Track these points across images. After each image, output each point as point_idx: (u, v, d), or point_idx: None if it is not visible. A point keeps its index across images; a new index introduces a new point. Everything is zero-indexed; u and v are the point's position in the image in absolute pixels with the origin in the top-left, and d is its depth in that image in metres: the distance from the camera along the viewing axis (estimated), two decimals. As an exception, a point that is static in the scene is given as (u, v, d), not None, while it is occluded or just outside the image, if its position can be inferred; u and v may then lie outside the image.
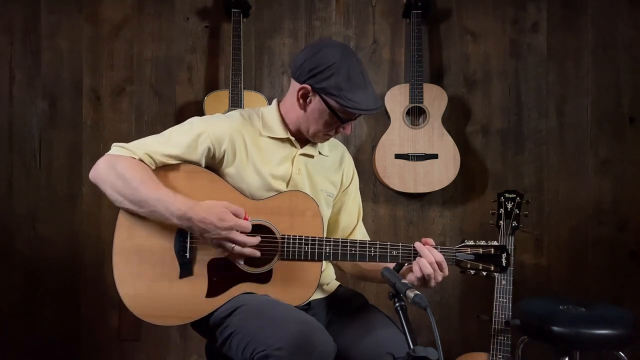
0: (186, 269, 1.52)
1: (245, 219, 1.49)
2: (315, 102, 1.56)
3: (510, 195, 2.15)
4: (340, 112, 1.54)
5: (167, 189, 1.48)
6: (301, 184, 1.65)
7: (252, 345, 1.39)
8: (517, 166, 2.83)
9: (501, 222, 2.15)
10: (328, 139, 1.68)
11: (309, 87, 1.55)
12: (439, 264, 1.50)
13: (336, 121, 1.57)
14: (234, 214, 1.47)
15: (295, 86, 1.59)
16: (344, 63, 1.52)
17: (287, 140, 1.65)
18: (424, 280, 1.51)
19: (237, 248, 1.46)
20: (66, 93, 2.82)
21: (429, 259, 1.50)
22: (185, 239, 1.53)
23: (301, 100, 1.58)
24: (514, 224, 2.14)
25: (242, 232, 1.47)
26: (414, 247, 1.53)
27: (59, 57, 2.82)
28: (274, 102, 1.69)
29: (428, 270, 1.49)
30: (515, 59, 2.84)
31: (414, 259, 1.53)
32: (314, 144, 1.70)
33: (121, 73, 2.83)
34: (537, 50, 2.83)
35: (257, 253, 1.49)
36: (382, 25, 2.85)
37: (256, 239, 1.49)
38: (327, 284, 1.74)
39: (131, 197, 1.47)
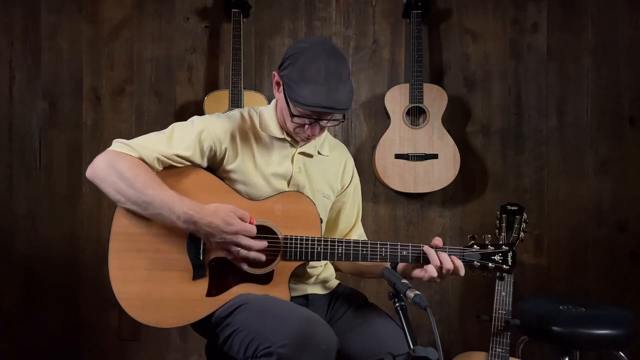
0: (199, 271, 1.52)
1: (251, 222, 1.48)
2: (281, 91, 1.56)
3: (512, 208, 2.13)
4: (290, 104, 1.52)
5: (171, 191, 1.46)
6: (302, 183, 1.65)
7: (256, 343, 1.39)
8: (517, 166, 2.83)
9: (502, 234, 2.13)
10: (305, 140, 1.62)
11: (276, 74, 1.57)
12: (447, 270, 1.51)
13: (289, 115, 1.53)
14: (240, 218, 1.47)
15: None
16: (303, 55, 1.49)
17: (285, 139, 1.65)
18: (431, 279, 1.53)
19: (243, 252, 1.46)
20: (66, 93, 2.82)
21: (435, 264, 1.51)
22: (198, 244, 1.52)
23: (275, 88, 1.60)
24: (515, 235, 2.12)
25: (247, 236, 1.47)
26: (423, 251, 1.54)
27: (59, 57, 2.82)
28: (273, 101, 1.69)
29: (434, 274, 1.51)
30: (515, 59, 2.84)
31: (424, 261, 1.54)
32: (312, 143, 1.69)
33: (121, 73, 2.83)
34: (537, 50, 2.83)
35: (262, 257, 1.48)
36: (382, 25, 2.85)
37: (263, 243, 1.48)
38: (329, 282, 1.75)
39: (134, 199, 1.45)
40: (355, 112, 2.85)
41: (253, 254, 1.47)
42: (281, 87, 1.56)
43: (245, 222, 1.47)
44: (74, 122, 2.82)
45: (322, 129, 1.57)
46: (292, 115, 1.52)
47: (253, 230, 1.47)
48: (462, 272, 1.53)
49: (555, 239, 2.82)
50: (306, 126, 1.54)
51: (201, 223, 1.44)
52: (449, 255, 1.53)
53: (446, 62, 2.84)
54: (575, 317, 2.09)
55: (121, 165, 1.46)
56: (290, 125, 1.57)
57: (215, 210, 1.46)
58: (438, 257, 1.51)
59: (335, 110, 1.48)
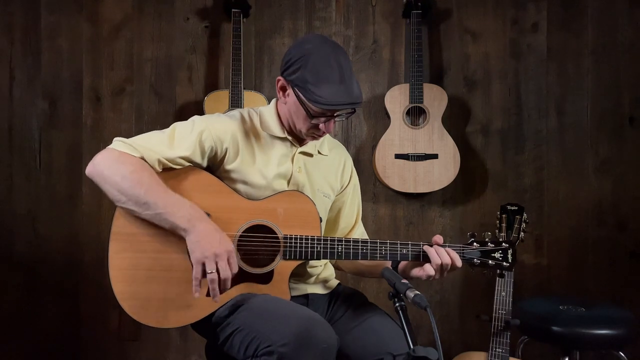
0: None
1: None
2: (291, 95, 1.56)
3: (512, 208, 2.13)
4: (308, 106, 1.52)
5: (173, 192, 1.47)
6: (302, 182, 1.66)
7: (256, 342, 1.39)
8: (517, 166, 2.83)
9: (502, 234, 2.13)
10: (317, 138, 1.65)
11: (282, 79, 1.56)
12: (445, 266, 1.52)
13: (308, 116, 1.54)
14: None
15: None
16: (313, 56, 1.49)
17: (286, 139, 1.65)
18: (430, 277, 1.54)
19: (213, 275, 1.40)
20: (66, 93, 2.82)
21: (436, 262, 1.52)
22: None
23: (281, 93, 1.60)
24: (515, 235, 2.12)
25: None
26: (423, 250, 1.55)
27: (59, 57, 2.82)
28: (273, 101, 1.69)
29: (432, 272, 1.52)
30: (515, 59, 2.84)
31: (423, 259, 1.55)
32: (312, 143, 1.69)
33: (121, 73, 2.83)
34: (537, 50, 2.83)
35: (218, 299, 1.43)
36: (382, 25, 2.85)
37: (228, 285, 1.44)
38: (329, 281, 1.75)
39: (136, 199, 1.44)
40: (356, 112, 2.84)
41: (214, 285, 1.41)
42: (289, 91, 1.56)
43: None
44: (74, 122, 2.82)
45: (334, 123, 1.60)
46: (312, 117, 1.53)
47: (234, 271, 1.45)
48: (459, 263, 1.54)
49: (555, 239, 2.82)
50: (321, 125, 1.56)
51: (201, 226, 1.44)
52: (446, 250, 1.54)
53: (446, 62, 2.84)
54: (575, 317, 2.09)
55: (124, 166, 1.46)
56: (304, 127, 1.58)
57: (219, 232, 1.45)
58: (438, 255, 1.52)
59: (356, 104, 1.52)
